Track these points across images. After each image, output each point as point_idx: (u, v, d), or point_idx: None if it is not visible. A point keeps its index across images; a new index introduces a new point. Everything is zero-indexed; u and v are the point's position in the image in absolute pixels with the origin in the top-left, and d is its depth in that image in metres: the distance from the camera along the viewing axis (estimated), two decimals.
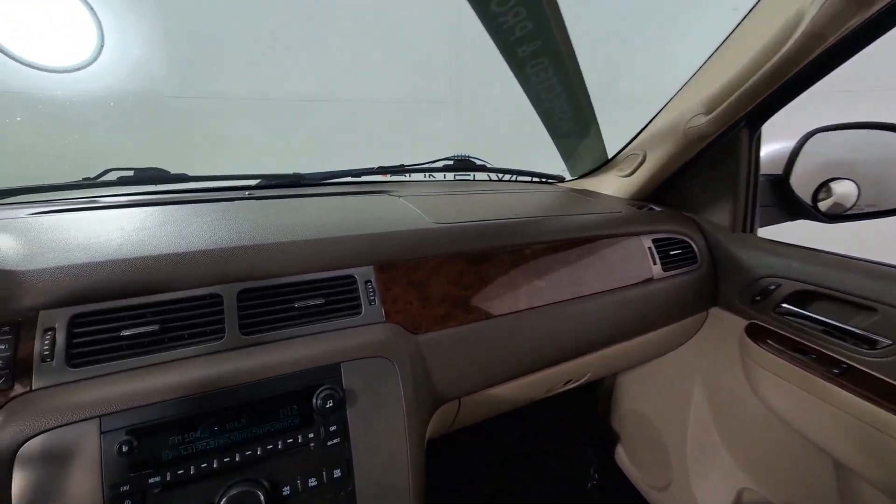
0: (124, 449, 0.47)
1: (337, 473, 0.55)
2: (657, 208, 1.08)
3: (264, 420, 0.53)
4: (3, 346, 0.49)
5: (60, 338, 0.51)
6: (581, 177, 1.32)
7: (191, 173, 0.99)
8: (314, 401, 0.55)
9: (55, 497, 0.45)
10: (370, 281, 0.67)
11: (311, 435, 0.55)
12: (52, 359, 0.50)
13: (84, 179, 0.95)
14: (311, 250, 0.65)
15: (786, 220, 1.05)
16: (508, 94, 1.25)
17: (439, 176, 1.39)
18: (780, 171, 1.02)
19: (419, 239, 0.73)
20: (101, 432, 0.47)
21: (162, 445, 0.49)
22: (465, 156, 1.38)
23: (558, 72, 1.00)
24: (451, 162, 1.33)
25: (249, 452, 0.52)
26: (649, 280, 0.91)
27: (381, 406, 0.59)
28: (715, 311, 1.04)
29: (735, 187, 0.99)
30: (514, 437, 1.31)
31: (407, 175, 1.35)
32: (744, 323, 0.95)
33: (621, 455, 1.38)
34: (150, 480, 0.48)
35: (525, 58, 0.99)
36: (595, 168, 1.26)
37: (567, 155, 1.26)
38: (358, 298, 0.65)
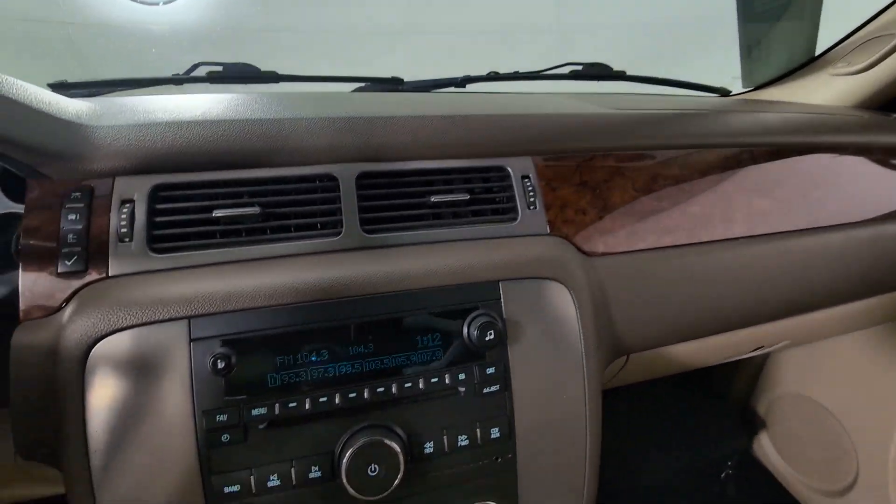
0: (220, 365, 0.33)
1: (495, 433, 0.39)
2: None
3: (399, 349, 0.37)
4: (73, 217, 0.37)
5: (140, 212, 0.38)
6: (762, 86, 0.98)
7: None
8: (466, 330, 0.38)
9: (137, 417, 0.33)
10: (529, 177, 0.46)
11: (461, 376, 0.38)
12: (130, 239, 0.37)
13: (173, 75, 0.85)
14: (452, 129, 0.46)
15: None
16: None
17: (564, 87, 1.12)
18: None
19: (598, 125, 0.51)
20: (191, 339, 0.34)
21: (267, 367, 0.35)
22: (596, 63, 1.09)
23: None
24: (579, 68, 1.05)
25: (381, 390, 0.36)
26: None
27: (552, 347, 0.41)
28: None
29: None
30: (641, 406, 1.10)
31: (522, 83, 1.10)
32: None
33: (765, 447, 1.12)
34: (254, 412, 0.34)
35: None
36: (791, 70, 0.92)
37: (754, 50, 0.92)
38: (513, 199, 0.45)
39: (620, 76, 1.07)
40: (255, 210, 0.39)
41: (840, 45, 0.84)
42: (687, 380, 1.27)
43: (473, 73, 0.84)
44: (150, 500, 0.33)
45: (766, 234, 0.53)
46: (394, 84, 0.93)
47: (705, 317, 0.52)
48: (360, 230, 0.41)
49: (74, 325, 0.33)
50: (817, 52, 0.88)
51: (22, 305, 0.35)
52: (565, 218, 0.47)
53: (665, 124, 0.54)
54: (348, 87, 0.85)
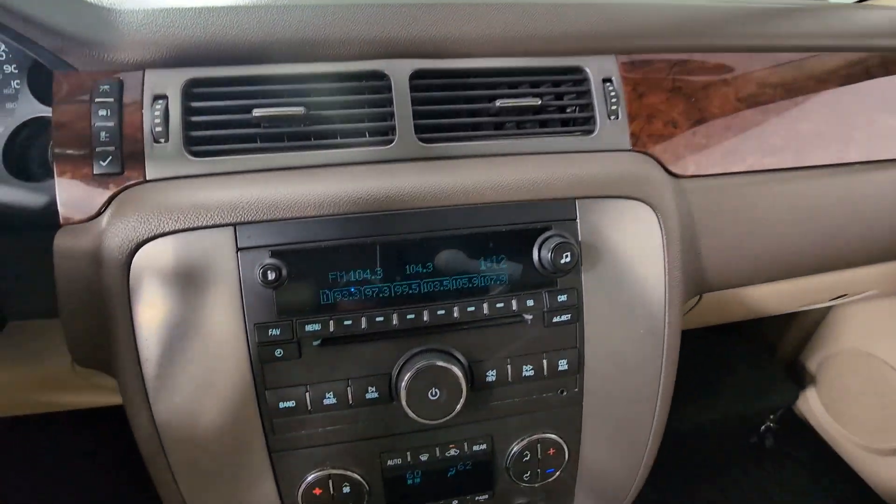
0: (269, 276, 0.30)
1: (562, 365, 0.35)
2: None
3: (461, 269, 0.33)
4: (104, 113, 0.33)
5: (175, 110, 0.33)
6: None
7: None
8: (536, 252, 0.34)
9: (187, 327, 0.31)
10: (611, 80, 0.39)
11: (529, 303, 0.34)
12: (166, 139, 0.33)
13: None
14: (522, 20, 0.38)
15: None
16: None
17: None
18: None
19: (697, 19, 0.42)
20: (238, 248, 0.31)
21: (319, 282, 0.32)
22: None
23: None
24: None
25: (441, 313, 0.33)
26: None
27: (633, 275, 0.36)
28: None
29: None
30: (686, 351, 1.06)
31: None
32: None
33: (812, 402, 1.07)
34: (307, 328, 0.32)
35: None
36: None
37: None
38: (591, 107, 0.39)
39: None
40: (299, 110, 0.34)
41: None
42: (737, 329, 1.21)
43: None
44: (204, 412, 0.32)
45: (889, 160, 0.44)
46: None
47: (805, 254, 0.45)
48: (415, 138, 0.36)
49: (115, 230, 0.31)
50: None
51: (61, 210, 0.33)
52: (652, 131, 0.40)
53: (778, 21, 0.44)
54: None
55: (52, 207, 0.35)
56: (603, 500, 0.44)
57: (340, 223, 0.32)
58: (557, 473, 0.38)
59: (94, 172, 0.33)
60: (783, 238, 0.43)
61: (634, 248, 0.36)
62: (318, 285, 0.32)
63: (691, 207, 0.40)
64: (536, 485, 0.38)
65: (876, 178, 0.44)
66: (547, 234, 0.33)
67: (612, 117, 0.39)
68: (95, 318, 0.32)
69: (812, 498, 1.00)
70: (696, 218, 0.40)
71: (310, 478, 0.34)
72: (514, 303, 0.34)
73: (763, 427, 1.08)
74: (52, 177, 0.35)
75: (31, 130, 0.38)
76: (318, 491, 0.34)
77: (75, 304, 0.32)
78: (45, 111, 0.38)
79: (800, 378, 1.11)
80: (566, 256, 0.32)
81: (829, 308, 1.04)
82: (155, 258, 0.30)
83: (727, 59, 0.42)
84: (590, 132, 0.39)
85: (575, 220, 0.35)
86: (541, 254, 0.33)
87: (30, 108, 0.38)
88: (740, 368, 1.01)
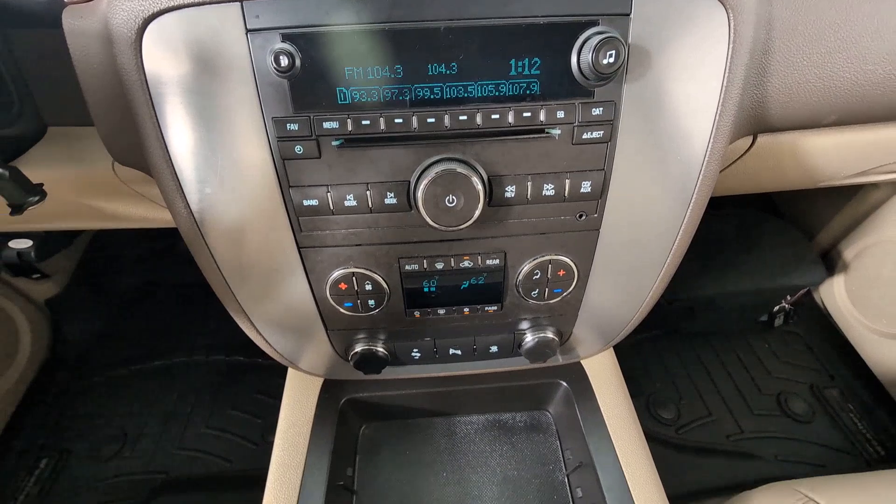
0: (283, 62, 0.28)
1: (585, 187, 0.34)
2: None
3: (487, 71, 0.30)
4: None
5: None
6: None
7: None
8: (576, 53, 0.29)
9: (208, 115, 0.31)
10: None
11: (560, 114, 0.31)
12: None
13: None
14: None
15: None
16: None
17: None
18: None
19: None
20: (248, 30, 0.29)
21: (336, 77, 0.30)
22: None
23: None
24: None
25: (464, 118, 0.31)
26: None
27: (683, 91, 0.32)
28: None
29: None
30: (723, 226, 1.03)
31: None
32: None
33: (836, 288, 1.06)
34: (325, 125, 0.31)
35: None
36: None
37: None
38: None
39: None
40: None
41: None
42: (780, 213, 1.15)
43: None
44: (237, 203, 0.34)
45: None
46: None
47: (886, 88, 0.38)
48: None
49: (119, 7, 0.29)
50: None
51: None
52: None
53: None
54: None
55: None
56: (597, 332, 0.48)
57: (357, 4, 0.28)
58: (564, 294, 0.41)
59: None
60: (867, 63, 0.36)
61: (692, 60, 0.31)
62: (334, 80, 0.30)
63: (773, 14, 0.33)
64: (542, 303, 0.41)
65: None
66: (592, 29, 0.29)
67: None
68: (121, 109, 0.32)
69: (806, 370, 1.07)
70: (776, 28, 0.33)
71: (335, 274, 0.38)
72: (542, 113, 0.31)
73: (777, 307, 1.11)
74: None
75: None
76: (343, 286, 0.38)
77: (97, 89, 0.32)
78: None
79: (832, 264, 1.08)
80: (610, 57, 0.28)
81: (886, 196, 0.96)
82: (165, 39, 0.29)
83: None
84: None
85: (629, 14, 0.29)
86: (580, 55, 0.29)
87: None
88: (771, 247, 0.99)
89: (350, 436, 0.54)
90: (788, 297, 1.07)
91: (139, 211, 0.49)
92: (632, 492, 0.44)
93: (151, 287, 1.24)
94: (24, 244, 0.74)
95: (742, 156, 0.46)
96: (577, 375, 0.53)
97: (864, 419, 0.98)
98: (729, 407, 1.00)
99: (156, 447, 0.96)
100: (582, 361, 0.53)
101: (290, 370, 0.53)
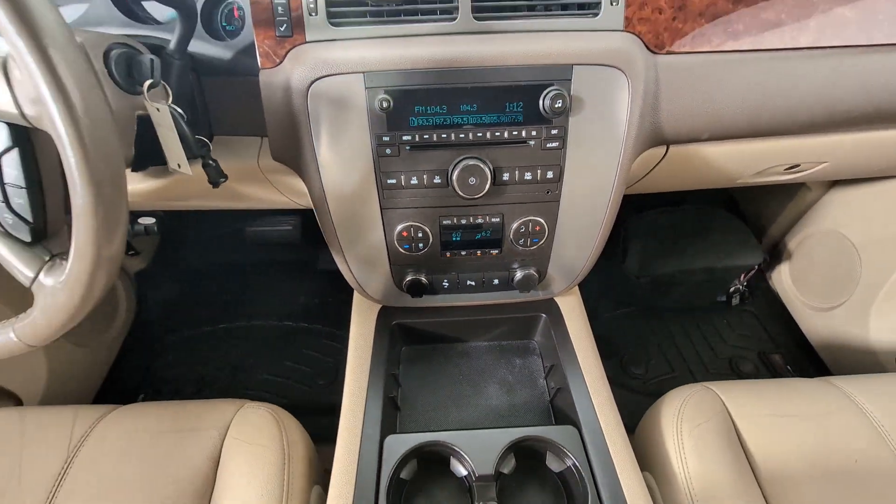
0: (384, 105, 0.53)
1: (549, 175, 0.59)
2: None
3: (493, 109, 0.55)
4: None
5: None
6: None
7: None
8: (542, 101, 0.54)
9: (342, 136, 0.56)
10: None
11: (533, 133, 0.56)
12: (316, 13, 0.53)
13: None
14: None
15: None
16: None
17: None
18: None
19: None
20: (366, 87, 0.54)
21: (410, 111, 0.55)
22: None
23: None
24: None
25: (480, 134, 0.56)
26: None
27: (603, 120, 0.56)
28: None
29: None
30: (677, 221, 1.27)
31: None
32: None
33: (783, 273, 1.29)
34: (403, 138, 0.56)
35: None
36: None
37: None
38: None
39: None
40: None
41: None
42: (732, 209, 1.38)
43: None
44: (350, 183, 0.59)
45: (834, 47, 0.57)
46: None
47: (746, 115, 0.62)
48: (471, 16, 0.54)
49: (296, 73, 0.54)
50: None
51: (259, 59, 0.55)
52: (642, 16, 0.55)
53: None
54: None
55: (235, 59, 0.58)
56: (563, 273, 0.71)
57: (422, 74, 0.53)
58: (540, 242, 0.65)
59: (276, 34, 0.54)
60: (729, 103, 0.60)
61: (608, 103, 0.55)
62: (409, 114, 0.55)
63: (659, 76, 0.57)
64: (526, 249, 0.65)
65: (815, 64, 0.58)
66: (550, 88, 0.53)
67: (614, 3, 0.54)
68: (288, 129, 0.57)
69: (756, 340, 1.29)
70: (661, 83, 0.57)
71: (400, 226, 0.62)
72: (523, 132, 0.56)
73: (732, 288, 1.33)
74: (234, 38, 0.58)
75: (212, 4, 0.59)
76: (405, 234, 0.63)
77: (275, 118, 0.57)
78: None
79: (780, 252, 1.31)
80: (559, 102, 0.53)
81: (822, 192, 1.18)
82: (322, 91, 0.54)
83: None
84: (595, 14, 0.55)
85: (570, 80, 0.54)
86: (544, 101, 0.54)
87: None
88: (720, 235, 1.22)
89: (395, 355, 0.78)
90: (742, 278, 1.30)
91: (267, 195, 0.74)
92: (587, 383, 0.67)
93: (216, 266, 1.49)
94: (149, 220, 1.00)
95: (660, 162, 0.70)
96: (553, 310, 0.76)
97: (799, 377, 1.19)
98: (689, 366, 1.22)
99: (227, 387, 1.21)
100: (556, 299, 0.77)
101: (355, 301, 0.78)
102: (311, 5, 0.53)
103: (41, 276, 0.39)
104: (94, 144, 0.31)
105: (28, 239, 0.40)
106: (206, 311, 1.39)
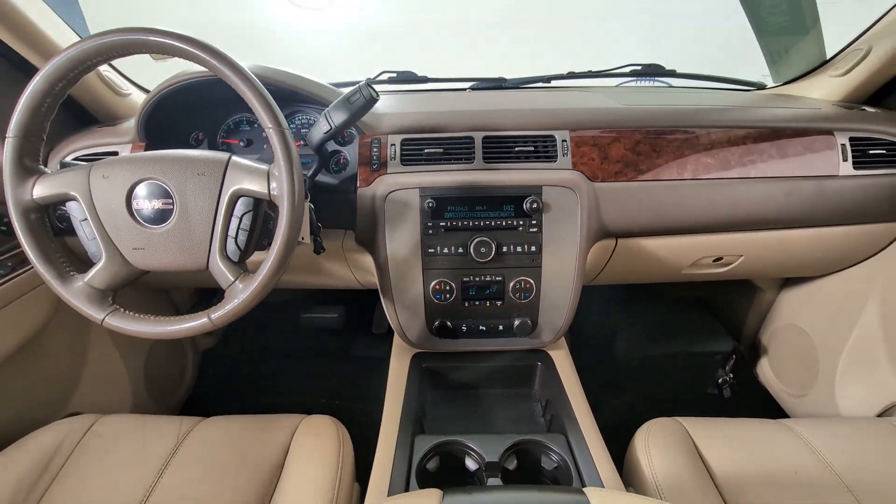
0: (430, 205, 0.90)
1: (532, 248, 0.91)
2: (870, 109, 1.02)
3: (495, 209, 0.91)
4: (375, 150, 0.96)
5: (397, 149, 0.96)
6: (787, 83, 1.27)
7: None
8: (525, 204, 0.90)
9: (403, 224, 0.92)
10: (566, 140, 0.95)
11: (520, 222, 0.91)
12: (395, 159, 0.95)
13: (367, 78, 1.46)
14: (529, 116, 0.97)
15: None
16: None
17: (628, 85, 1.51)
18: None
19: (607, 114, 0.97)
20: (420, 196, 0.91)
21: (445, 209, 0.91)
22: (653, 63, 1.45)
23: None
24: (638, 67, 1.43)
25: (487, 223, 0.91)
26: (832, 177, 0.95)
27: (565, 217, 0.91)
28: None
29: None
30: (666, 320, 1.51)
31: (595, 80, 1.52)
32: None
33: (764, 367, 1.45)
34: (440, 224, 0.91)
35: None
36: (806, 72, 1.21)
37: (773, 56, 1.23)
38: (555, 150, 0.95)
39: (672, 73, 1.44)
40: (440, 150, 0.94)
41: (838, 54, 1.12)
42: (708, 312, 1.61)
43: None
44: (404, 254, 0.92)
45: (706, 178, 0.94)
46: (499, 82, 1.46)
47: (663, 219, 0.96)
48: (482, 161, 0.94)
49: (379, 189, 0.93)
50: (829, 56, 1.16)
51: (359, 183, 0.96)
52: (582, 161, 0.94)
53: (655, 115, 0.97)
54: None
55: (355, 180, 0.99)
56: (550, 324, 0.97)
57: (453, 190, 0.91)
58: (530, 297, 0.93)
59: (371, 170, 0.96)
60: (646, 208, 0.94)
61: (566, 207, 0.91)
62: (444, 211, 0.91)
63: (598, 195, 0.93)
64: (521, 301, 0.93)
65: (694, 188, 0.94)
66: (529, 197, 0.90)
67: (564, 155, 0.94)
68: (370, 224, 0.93)
69: None
70: (600, 198, 0.93)
71: (434, 282, 0.93)
72: (514, 222, 0.90)
73: (721, 380, 1.48)
74: (354, 171, 1.00)
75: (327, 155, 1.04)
76: (437, 286, 0.92)
77: (364, 217, 0.94)
78: (345, 148, 1.04)
79: (758, 345, 1.49)
80: (535, 205, 0.88)
81: (777, 293, 1.44)
82: (394, 198, 0.92)
83: (619, 130, 0.96)
84: (554, 160, 0.94)
85: (541, 194, 0.90)
86: (526, 204, 0.89)
87: (332, 146, 1.04)
88: (693, 328, 1.44)
89: (423, 392, 0.99)
90: (726, 368, 1.46)
91: (341, 271, 1.08)
92: (573, 406, 0.86)
93: (265, 349, 1.76)
94: None
95: (613, 252, 1.02)
96: (546, 360, 0.99)
97: None
98: None
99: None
100: (548, 351, 1.00)
101: (394, 346, 1.03)
102: (392, 156, 0.95)
103: (237, 282, 0.71)
104: (295, 221, 0.66)
105: (236, 260, 0.72)
106: (253, 390, 1.60)
